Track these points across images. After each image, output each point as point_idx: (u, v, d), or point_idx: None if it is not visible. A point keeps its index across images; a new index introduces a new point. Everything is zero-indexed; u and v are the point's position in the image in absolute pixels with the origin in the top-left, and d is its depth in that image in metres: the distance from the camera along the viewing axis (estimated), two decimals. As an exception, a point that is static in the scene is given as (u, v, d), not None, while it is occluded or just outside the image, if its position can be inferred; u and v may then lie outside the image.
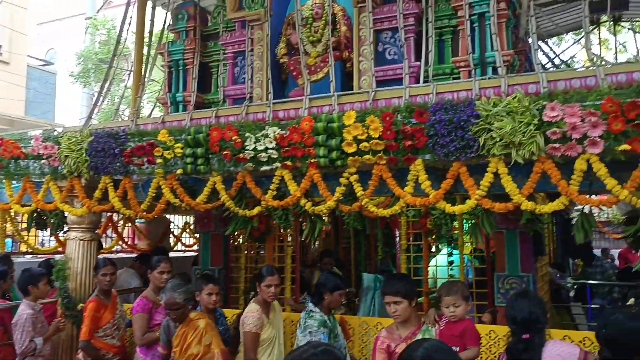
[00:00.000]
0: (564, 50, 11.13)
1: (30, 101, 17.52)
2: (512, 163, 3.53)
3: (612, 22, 11.22)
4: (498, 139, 3.48)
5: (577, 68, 4.77)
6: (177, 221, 9.62)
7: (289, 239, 6.76)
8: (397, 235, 6.25)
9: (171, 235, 8.83)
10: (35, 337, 4.71)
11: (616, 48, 12.16)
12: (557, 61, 9.16)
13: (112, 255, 6.97)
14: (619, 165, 3.48)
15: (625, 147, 3.22)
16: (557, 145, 3.37)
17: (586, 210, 3.60)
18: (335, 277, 4.30)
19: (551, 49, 7.37)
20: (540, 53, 7.81)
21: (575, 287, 7.68)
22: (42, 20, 26.26)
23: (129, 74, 6.57)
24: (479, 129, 3.54)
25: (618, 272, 6.95)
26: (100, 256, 5.46)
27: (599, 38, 11.61)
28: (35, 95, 17.86)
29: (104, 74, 6.23)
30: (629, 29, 13.87)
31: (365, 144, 3.84)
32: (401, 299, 3.44)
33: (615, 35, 11.76)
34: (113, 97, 16.42)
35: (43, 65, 19.88)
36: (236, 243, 6.77)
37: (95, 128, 5.14)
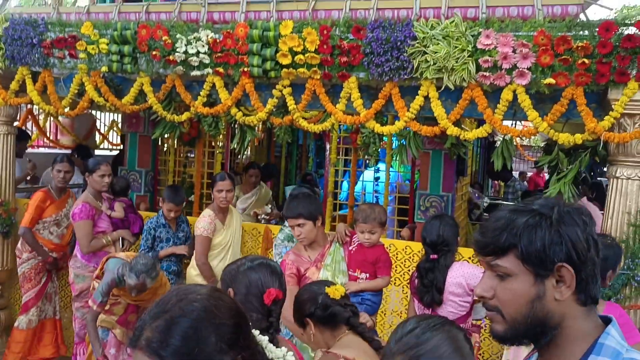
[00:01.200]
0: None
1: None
2: (442, 88, 3.57)
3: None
4: (432, 63, 3.49)
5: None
6: (103, 118, 9.26)
7: (220, 145, 6.70)
8: (328, 148, 6.29)
9: (97, 132, 8.51)
10: None
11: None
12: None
13: (35, 150, 6.67)
14: (542, 97, 3.61)
15: (550, 80, 3.32)
16: (487, 73, 3.42)
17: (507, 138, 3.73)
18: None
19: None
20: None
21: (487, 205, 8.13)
22: None
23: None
24: (414, 50, 3.53)
25: (523, 193, 7.42)
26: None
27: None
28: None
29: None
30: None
31: (301, 56, 3.75)
32: (304, 221, 3.30)
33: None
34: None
35: None
36: (165, 146, 6.64)
37: (12, 13, 4.72)
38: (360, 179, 6.59)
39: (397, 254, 4.49)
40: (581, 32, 3.32)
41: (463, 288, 3.19)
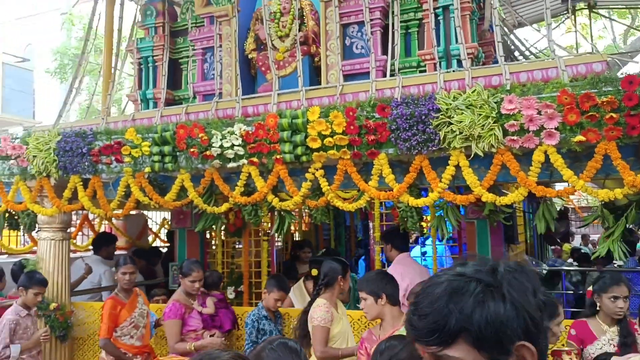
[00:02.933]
0: (539, 40, 11.24)
1: (6, 99, 17.32)
2: (472, 155, 3.59)
3: (587, 10, 11.35)
4: (458, 132, 3.54)
5: (543, 59, 4.83)
6: (154, 217, 9.61)
7: (265, 233, 6.81)
8: (372, 227, 6.30)
9: (149, 231, 8.82)
10: (16, 342, 4.65)
11: (591, 35, 12.32)
12: (534, 50, 9.26)
13: (89, 254, 6.96)
14: (577, 155, 3.57)
15: (580, 138, 3.30)
16: (515, 137, 3.44)
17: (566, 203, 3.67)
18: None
19: (519, 40, 7.43)
20: (516, 43, 7.90)
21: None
22: (20, 15, 25.93)
23: (99, 72, 6.55)
24: (439, 122, 3.60)
25: (578, 257, 7.09)
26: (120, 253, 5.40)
27: (574, 25, 11.74)
28: (12, 93, 17.66)
29: (82, 69, 6.18)
30: (605, 17, 14.04)
31: (330, 139, 3.88)
32: (366, 295, 3.32)
33: (590, 22, 11.90)
34: (91, 93, 16.30)
35: (19, 62, 19.65)
36: (213, 239, 6.80)
37: (64, 127, 5.13)
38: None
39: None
40: (605, 88, 3.32)
41: None
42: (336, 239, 9.92)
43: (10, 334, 4.63)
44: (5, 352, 4.59)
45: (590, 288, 3.60)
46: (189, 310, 4.69)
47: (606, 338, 3.36)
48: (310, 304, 4.23)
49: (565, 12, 11.19)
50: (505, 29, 6.88)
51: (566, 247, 10.73)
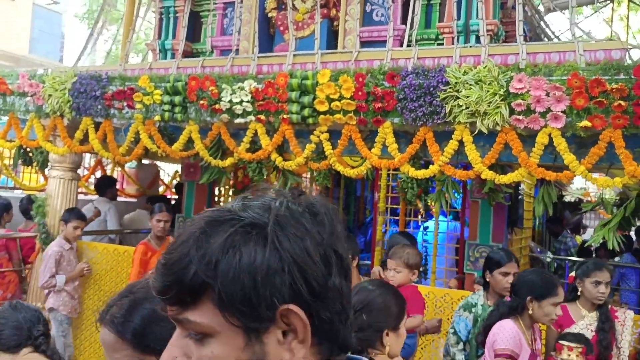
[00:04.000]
0: (578, 23, 10.98)
1: (34, 40, 17.51)
2: (476, 132, 3.59)
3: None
4: (464, 107, 3.54)
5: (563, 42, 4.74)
6: (167, 169, 9.75)
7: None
8: (377, 197, 6.34)
9: (160, 182, 8.97)
10: (59, 273, 4.87)
11: (628, 25, 11.99)
12: (569, 35, 9.08)
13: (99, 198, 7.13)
14: (582, 141, 3.55)
15: (586, 123, 3.28)
16: (520, 117, 3.42)
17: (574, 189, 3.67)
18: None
19: (546, 24, 7.26)
20: (546, 27, 7.74)
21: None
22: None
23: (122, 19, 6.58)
24: (446, 95, 3.60)
25: (578, 249, 7.07)
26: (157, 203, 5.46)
27: (612, 15, 11.44)
28: (41, 35, 17.83)
29: (104, 15, 6.23)
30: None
31: (337, 103, 3.90)
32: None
33: (628, 11, 11.57)
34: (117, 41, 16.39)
35: (50, 4, 19.78)
36: (221, 195, 6.91)
37: (80, 69, 5.20)
38: (412, 228, 6.55)
39: (426, 307, 4.39)
40: (617, 76, 3.28)
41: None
42: (345, 208, 10.00)
43: (56, 265, 4.84)
44: (52, 282, 4.82)
45: (573, 274, 3.62)
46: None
47: (584, 323, 3.39)
48: None
49: (605, 0, 10.92)
50: (533, 11, 6.73)
51: (577, 238, 10.69)
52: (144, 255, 4.80)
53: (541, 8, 9.88)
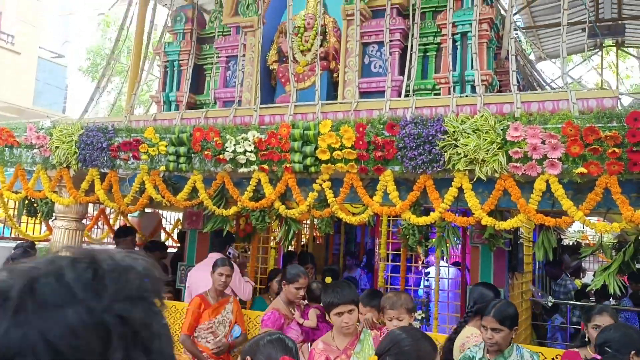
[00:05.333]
0: (569, 71, 11.24)
1: (38, 92, 17.81)
2: (475, 179, 3.66)
3: (615, 47, 11.35)
4: (463, 155, 3.61)
5: (557, 91, 4.88)
6: (169, 217, 9.79)
7: (274, 241, 6.92)
8: (377, 244, 6.36)
9: (162, 231, 8.99)
10: None
11: (617, 73, 12.28)
12: (560, 82, 9.29)
13: (101, 246, 7.12)
14: (579, 187, 3.61)
15: (582, 170, 3.35)
16: (518, 164, 3.50)
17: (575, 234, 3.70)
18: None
19: (538, 73, 7.46)
20: (539, 75, 7.95)
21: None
22: (59, 12, 26.67)
23: (127, 73, 6.77)
24: (445, 144, 3.68)
25: (576, 293, 7.04)
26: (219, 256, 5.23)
27: (601, 62, 11.73)
28: (44, 87, 18.16)
29: (110, 69, 6.41)
30: (633, 56, 13.97)
31: (339, 152, 3.98)
32: (354, 307, 3.32)
33: (617, 59, 11.88)
34: (121, 93, 16.70)
35: (55, 57, 20.22)
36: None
37: (88, 122, 5.31)
38: (412, 274, 6.55)
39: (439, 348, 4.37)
40: (610, 123, 3.37)
41: None
42: (346, 254, 9.98)
43: None
44: None
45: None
46: (289, 321, 4.44)
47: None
48: (455, 331, 4.08)
49: (594, 49, 11.23)
50: (525, 60, 6.94)
51: (577, 282, 10.63)
52: (198, 308, 4.64)
53: (532, 57, 10.18)
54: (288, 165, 4.18)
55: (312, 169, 4.12)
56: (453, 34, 4.72)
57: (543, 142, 3.43)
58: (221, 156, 4.37)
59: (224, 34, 6.00)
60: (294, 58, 5.31)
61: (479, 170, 3.59)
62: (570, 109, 3.78)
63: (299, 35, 5.51)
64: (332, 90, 5.28)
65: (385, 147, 3.85)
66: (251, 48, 5.47)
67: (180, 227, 9.10)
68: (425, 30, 5.00)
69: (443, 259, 6.01)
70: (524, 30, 8.73)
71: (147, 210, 8.05)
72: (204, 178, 4.65)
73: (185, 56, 6.00)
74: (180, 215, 9.07)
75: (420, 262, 6.80)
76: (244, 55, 5.50)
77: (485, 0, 4.83)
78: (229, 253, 5.63)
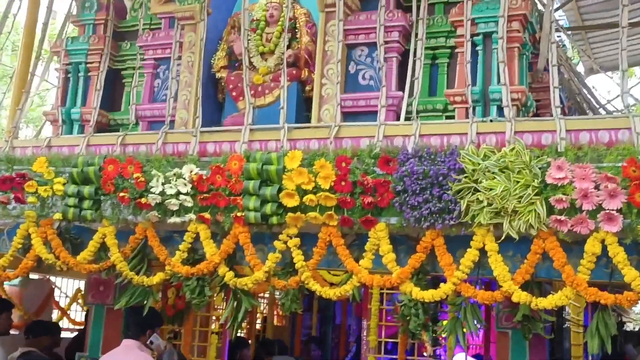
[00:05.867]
0: (630, 89, 11.50)
1: None
2: (503, 237, 3.68)
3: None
4: (486, 204, 3.64)
5: (614, 116, 4.99)
6: (64, 286, 9.61)
7: (216, 323, 6.81)
8: (365, 327, 6.32)
9: (54, 306, 8.80)
10: None
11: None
12: (619, 104, 9.45)
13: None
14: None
15: (651, 226, 3.40)
16: (562, 217, 3.53)
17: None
18: None
19: (589, 90, 7.65)
20: (591, 93, 8.13)
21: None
22: None
23: (11, 78, 6.72)
24: (462, 187, 3.71)
25: None
26: None
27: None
28: None
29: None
30: None
31: (312, 196, 3.98)
32: None
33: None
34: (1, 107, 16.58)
35: None
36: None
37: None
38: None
39: None
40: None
41: None
42: (321, 341, 9.89)
43: None
44: None
45: None
46: None
47: None
48: None
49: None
50: (571, 73, 7.11)
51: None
52: None
53: (581, 69, 10.40)
54: (239, 214, 4.15)
55: (274, 219, 4.10)
56: (472, 35, 4.78)
57: (597, 187, 3.48)
58: (144, 200, 4.33)
59: (152, 27, 6.01)
60: (250, 63, 5.34)
61: (508, 225, 3.61)
62: (633, 141, 3.85)
63: (259, 31, 5.54)
64: (303, 109, 5.30)
65: (377, 190, 3.85)
66: (190, 48, 5.48)
67: (81, 300, 8.91)
68: (434, 29, 5.07)
69: (459, 350, 5.99)
70: (570, 33, 8.95)
71: (34, 276, 7.87)
72: (118, 231, 4.59)
73: (96, 57, 5.98)
74: (82, 284, 8.90)
75: (426, 354, 6.75)
76: (179, 57, 5.50)
77: (516, -10, 4.92)
78: (151, 342, 5.51)
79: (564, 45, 8.62)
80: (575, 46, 10.30)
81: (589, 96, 7.54)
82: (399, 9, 5.16)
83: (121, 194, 4.39)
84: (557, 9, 7.63)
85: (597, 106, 7.79)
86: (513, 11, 4.69)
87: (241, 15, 5.27)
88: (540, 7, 5.70)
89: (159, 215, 4.37)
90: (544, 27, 5.10)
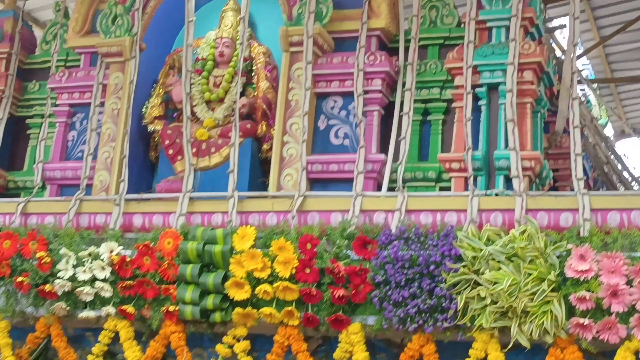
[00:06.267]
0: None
1: None
2: (511, 344, 3.69)
3: None
4: (490, 301, 3.65)
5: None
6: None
7: None
8: None
9: None
10: None
11: None
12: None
13: None
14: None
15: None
16: (586, 320, 3.55)
17: None
18: None
19: (617, 157, 7.80)
20: (621, 159, 8.24)
21: None
22: None
23: None
24: (459, 279, 3.73)
25: None
26: None
27: None
28: None
29: None
30: None
31: (267, 287, 3.97)
32: None
33: None
34: None
35: None
36: None
37: None
38: None
39: None
40: None
41: None
42: None
43: None
44: None
45: None
46: None
47: None
48: None
49: None
50: (597, 137, 7.21)
51: None
52: None
53: (610, 131, 10.53)
54: (172, 309, 4.13)
55: (217, 316, 4.08)
56: (474, 86, 4.84)
57: (629, 283, 3.52)
58: (48, 287, 4.30)
59: (68, 64, 6.03)
60: (193, 114, 5.35)
61: (517, 329, 3.62)
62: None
63: (205, 73, 5.57)
64: (259, 174, 5.31)
65: (351, 281, 3.86)
66: (116, 92, 5.49)
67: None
68: (426, 77, 5.13)
69: None
70: (596, 86, 9.10)
71: None
72: (13, 327, 4.54)
73: (-6, 100, 5.98)
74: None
75: None
76: (102, 104, 5.51)
77: (529, 32, 5.00)
78: None
79: (588, 102, 8.55)
80: (603, 103, 10.38)
81: (619, 166, 7.64)
82: (382, 50, 5.24)
83: (19, 279, 4.35)
84: (579, 57, 7.71)
85: (630, 179, 7.90)
86: (525, 58, 4.74)
87: (183, 52, 5.31)
88: (559, 53, 5.77)
89: (68, 308, 4.33)
90: (564, 79, 5.15)
